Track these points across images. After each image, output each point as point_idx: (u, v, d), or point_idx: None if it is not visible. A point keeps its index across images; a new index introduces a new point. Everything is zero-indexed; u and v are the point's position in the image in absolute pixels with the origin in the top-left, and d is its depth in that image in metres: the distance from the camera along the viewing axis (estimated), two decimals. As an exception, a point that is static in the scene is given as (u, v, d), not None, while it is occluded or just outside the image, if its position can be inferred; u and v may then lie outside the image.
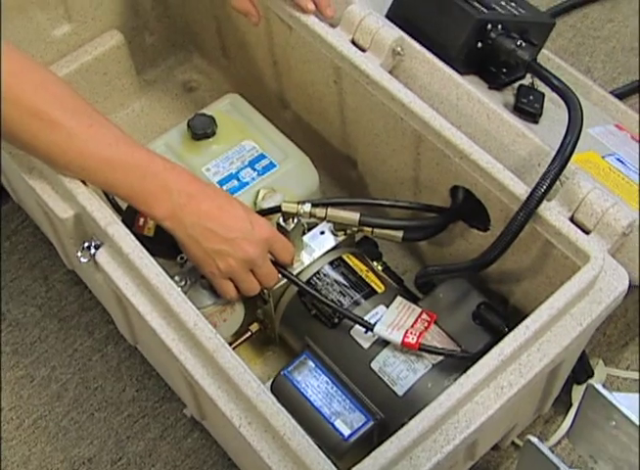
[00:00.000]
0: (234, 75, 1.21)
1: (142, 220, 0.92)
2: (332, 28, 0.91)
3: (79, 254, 0.82)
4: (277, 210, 0.88)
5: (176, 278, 0.87)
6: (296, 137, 1.08)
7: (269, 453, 0.69)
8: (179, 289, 0.76)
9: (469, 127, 0.87)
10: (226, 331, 0.94)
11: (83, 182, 0.81)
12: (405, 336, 0.84)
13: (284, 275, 0.88)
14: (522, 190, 0.79)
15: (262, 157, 0.99)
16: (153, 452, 0.99)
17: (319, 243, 0.94)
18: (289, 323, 0.95)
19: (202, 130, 0.99)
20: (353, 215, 0.88)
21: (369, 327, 0.85)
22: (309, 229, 0.97)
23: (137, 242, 0.78)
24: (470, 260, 0.84)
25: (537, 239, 0.82)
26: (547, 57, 1.16)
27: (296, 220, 0.88)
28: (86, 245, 0.82)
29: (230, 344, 0.98)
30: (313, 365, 0.90)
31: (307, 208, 0.87)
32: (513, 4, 1.03)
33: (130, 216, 0.92)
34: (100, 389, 1.03)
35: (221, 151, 1.00)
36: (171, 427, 1.00)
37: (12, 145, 0.81)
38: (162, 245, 0.89)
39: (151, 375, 1.03)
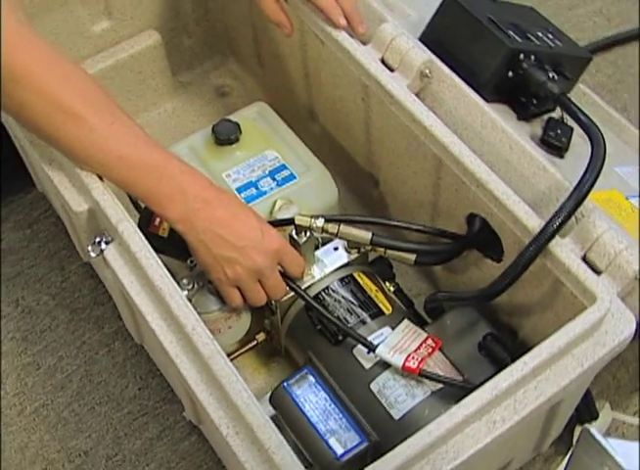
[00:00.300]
0: (267, 84, 1.22)
1: (158, 220, 0.93)
2: (362, 46, 0.91)
3: (90, 247, 0.82)
4: (290, 222, 0.88)
5: (184, 281, 0.88)
6: (322, 151, 1.08)
7: (253, 465, 0.69)
8: (182, 292, 0.76)
9: (490, 156, 0.86)
10: (230, 338, 0.94)
11: (100, 178, 0.82)
12: (407, 360, 0.83)
13: (291, 288, 0.88)
14: (535, 224, 0.78)
15: (283, 167, 1.00)
16: (149, 452, 0.99)
17: (331, 259, 0.94)
18: (294, 336, 0.95)
19: (225, 136, 1.00)
20: (365, 234, 0.88)
21: (371, 348, 0.85)
22: (323, 244, 0.97)
23: (145, 242, 0.79)
24: (478, 290, 0.84)
25: (548, 275, 0.81)
26: (583, 92, 1.14)
27: (308, 234, 0.88)
28: (97, 240, 0.83)
29: (235, 351, 0.99)
30: (313, 381, 0.89)
31: (320, 222, 0.87)
32: (550, 36, 1.02)
33: (147, 216, 0.93)
34: (103, 383, 1.03)
35: (243, 158, 1.00)
36: (170, 428, 1.00)
37: (35, 135, 0.82)
38: (175, 246, 0.89)
39: (155, 374, 1.04)
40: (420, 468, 0.69)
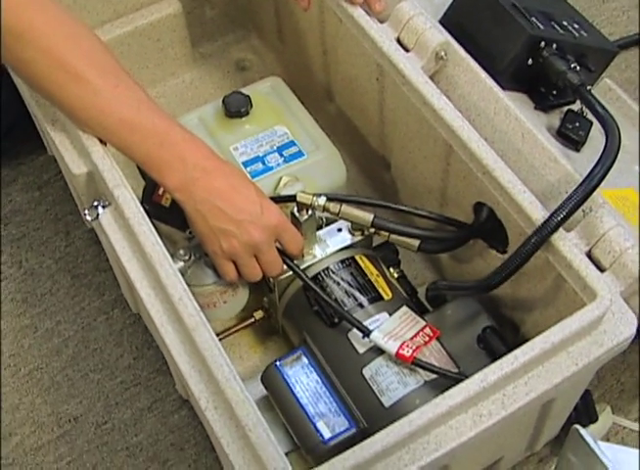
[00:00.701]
0: (287, 61, 1.20)
1: (162, 190, 0.92)
2: (378, 24, 0.89)
3: (87, 211, 0.81)
4: (292, 199, 0.87)
5: (181, 251, 0.86)
6: (336, 132, 1.07)
7: (229, 442, 0.67)
8: (178, 263, 0.75)
9: (501, 144, 0.84)
10: (225, 313, 0.93)
11: (101, 141, 0.81)
12: (401, 347, 0.81)
13: (288, 266, 0.86)
14: (539, 215, 0.75)
15: (292, 144, 0.98)
16: (138, 422, 0.98)
17: (334, 240, 0.92)
18: (291, 315, 0.93)
19: (236, 108, 0.98)
20: (367, 216, 0.86)
21: (366, 332, 0.83)
22: (327, 224, 0.95)
23: (141, 208, 0.78)
24: (477, 280, 0.81)
25: (551, 269, 0.78)
26: (609, 87, 1.11)
27: (309, 212, 0.87)
28: (94, 204, 0.82)
29: (231, 327, 0.97)
30: (306, 362, 0.88)
31: (322, 200, 0.85)
32: (576, 25, 0.99)
33: (151, 185, 0.92)
34: (99, 351, 1.03)
35: (252, 132, 0.98)
36: (161, 400, 0.99)
37: (38, 94, 0.81)
38: (176, 216, 0.88)
39: (150, 345, 1.03)
40: (399, 457, 0.67)
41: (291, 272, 0.89)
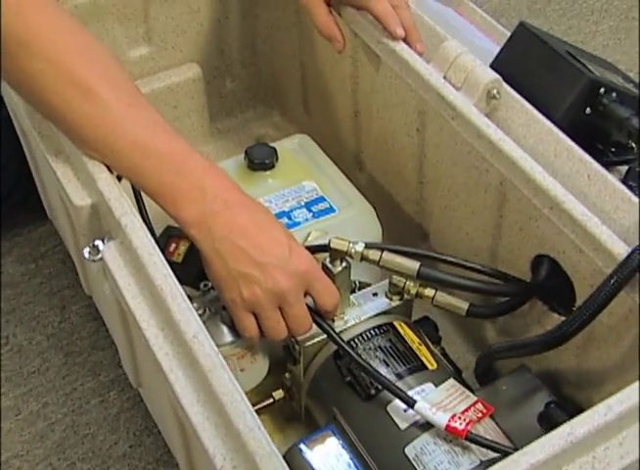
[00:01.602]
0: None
1: (173, 246, 0.83)
2: (422, 59, 0.81)
3: (87, 249, 0.70)
4: (324, 248, 0.76)
5: (194, 305, 0.73)
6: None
7: (251, 509, 0.53)
8: (186, 296, 0.63)
9: (565, 189, 0.74)
10: (241, 384, 0.79)
11: (109, 169, 0.70)
12: (452, 419, 0.68)
13: (318, 325, 0.74)
14: (622, 249, 0.64)
15: (322, 200, 0.88)
16: (132, 523, 0.83)
17: (369, 305, 0.81)
18: (317, 390, 0.80)
19: (260, 160, 0.88)
20: (412, 264, 0.74)
21: (409, 402, 0.69)
22: (360, 288, 0.84)
23: (151, 238, 0.66)
24: (544, 333, 0.69)
25: (632, 325, 0.66)
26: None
27: (344, 264, 0.75)
28: (96, 242, 0.70)
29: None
30: (336, 442, 0.74)
31: (360, 247, 0.74)
32: (631, 84, 0.92)
33: (162, 241, 0.82)
34: (90, 437, 0.88)
35: (278, 187, 0.88)
36: (160, 496, 0.84)
37: (41, 113, 0.72)
38: (189, 272, 0.78)
39: (151, 432, 0.88)
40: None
41: (319, 338, 0.77)
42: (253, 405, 0.83)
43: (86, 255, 0.70)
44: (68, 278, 1.02)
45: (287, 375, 0.83)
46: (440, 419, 0.68)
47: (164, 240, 0.85)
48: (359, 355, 0.74)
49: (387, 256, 0.74)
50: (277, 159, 0.89)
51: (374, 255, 0.74)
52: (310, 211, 0.86)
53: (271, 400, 0.84)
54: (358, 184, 1.01)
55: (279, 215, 0.86)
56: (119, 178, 0.72)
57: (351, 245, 0.74)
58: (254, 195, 0.87)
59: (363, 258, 0.75)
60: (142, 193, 0.74)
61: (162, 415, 0.77)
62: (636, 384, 0.56)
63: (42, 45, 0.68)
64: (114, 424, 0.89)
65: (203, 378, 0.58)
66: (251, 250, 0.68)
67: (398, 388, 0.71)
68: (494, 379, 0.80)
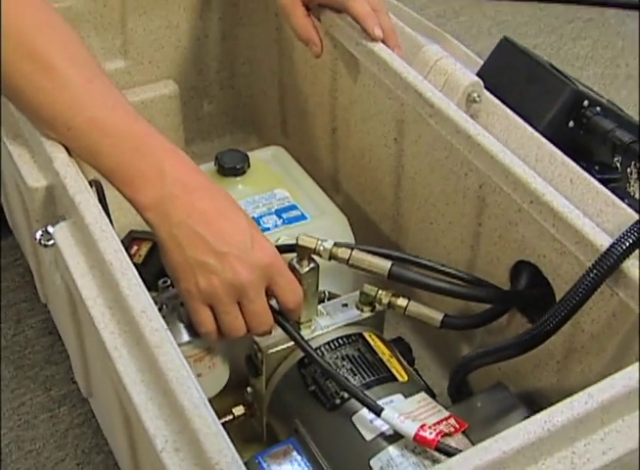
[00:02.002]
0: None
1: (135, 248, 0.80)
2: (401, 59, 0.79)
3: (39, 233, 0.66)
4: (292, 248, 0.71)
5: (151, 301, 0.69)
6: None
7: (192, 494, 0.48)
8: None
9: (546, 190, 0.71)
10: (198, 391, 0.74)
11: (68, 152, 0.67)
12: (421, 429, 0.63)
13: (279, 324, 0.69)
14: (605, 242, 0.60)
15: (293, 207, 0.84)
16: None
17: (339, 314, 0.76)
18: (279, 402, 0.75)
19: (230, 164, 0.85)
20: (384, 263, 0.70)
21: (376, 410, 0.64)
22: (329, 299, 0.79)
23: (105, 217, 0.62)
24: (518, 335, 0.64)
25: (616, 330, 0.62)
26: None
27: (312, 265, 0.71)
28: (49, 228, 0.66)
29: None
30: (297, 457, 0.69)
31: (329, 245, 0.70)
32: (617, 108, 0.89)
33: (125, 245, 0.78)
34: (35, 453, 0.82)
35: (248, 193, 0.84)
36: (104, 518, 0.78)
37: (1, 91, 0.69)
38: (149, 273, 0.74)
39: (101, 450, 0.82)
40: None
41: (283, 345, 0.72)
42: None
43: (38, 237, 0.66)
44: (25, 292, 0.97)
45: (248, 389, 0.78)
46: (409, 428, 0.63)
47: (127, 242, 0.82)
48: (323, 359, 0.70)
49: (357, 254, 0.70)
50: (249, 165, 0.86)
51: (343, 253, 0.70)
52: (280, 217, 0.82)
53: (231, 417, 0.79)
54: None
55: (248, 221, 0.82)
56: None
57: (320, 242, 0.70)
58: (224, 200, 0.84)
59: (332, 256, 0.70)
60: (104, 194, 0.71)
61: (110, 416, 0.71)
62: (619, 373, 0.52)
63: (2, 20, 0.65)
64: (62, 441, 0.83)
65: (149, 355, 0.53)
66: (211, 237, 0.64)
67: (365, 395, 0.66)
68: (469, 395, 0.75)
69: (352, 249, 0.71)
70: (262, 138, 1.15)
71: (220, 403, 0.79)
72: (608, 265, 0.58)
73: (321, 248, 0.70)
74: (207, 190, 0.66)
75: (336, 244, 0.71)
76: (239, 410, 0.79)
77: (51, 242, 0.66)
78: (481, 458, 0.48)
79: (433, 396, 0.80)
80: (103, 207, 0.77)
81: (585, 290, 0.58)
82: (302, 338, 0.69)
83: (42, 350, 0.92)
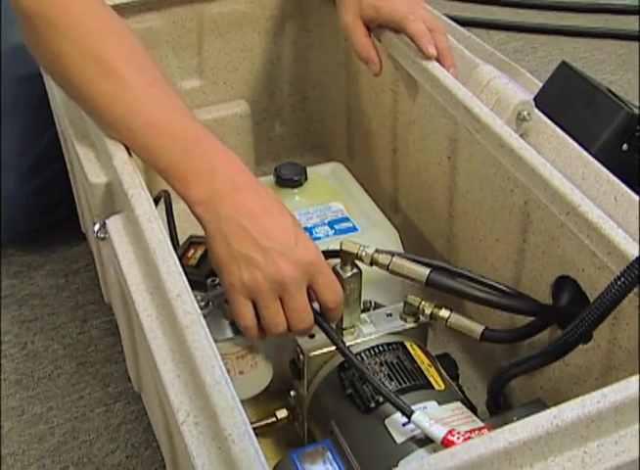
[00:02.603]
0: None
1: (191, 252, 0.83)
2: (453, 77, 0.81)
3: (97, 226, 0.70)
4: (336, 254, 0.74)
5: (197, 298, 0.72)
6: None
7: (205, 463, 0.50)
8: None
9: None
10: (239, 389, 0.75)
11: (128, 150, 0.71)
12: (450, 433, 0.64)
13: (318, 324, 0.71)
14: (636, 251, 0.60)
15: (346, 220, 0.86)
16: (114, 533, 0.79)
17: (382, 324, 0.78)
18: (318, 405, 0.76)
19: (288, 176, 0.88)
20: (423, 270, 0.72)
21: (407, 412, 0.65)
22: (375, 309, 0.81)
23: (155, 210, 0.66)
24: (550, 342, 0.65)
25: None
26: None
27: (355, 270, 0.73)
28: (107, 221, 0.70)
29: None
30: (330, 457, 0.70)
31: (371, 250, 0.72)
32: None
33: (183, 248, 0.83)
34: (88, 444, 0.86)
35: (304, 205, 0.87)
36: (147, 508, 0.80)
37: (67, 93, 0.74)
38: (202, 274, 0.77)
39: (149, 445, 0.85)
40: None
41: (324, 349, 0.74)
42: (255, 421, 0.81)
43: (95, 230, 0.70)
44: (94, 295, 1.02)
45: (292, 393, 0.80)
46: (437, 432, 0.64)
47: (186, 246, 0.85)
48: (358, 359, 0.71)
49: (397, 260, 0.72)
50: (306, 178, 0.89)
51: (384, 259, 0.72)
52: (332, 228, 0.85)
53: (273, 419, 0.81)
54: (394, 227, 1.00)
55: (301, 230, 0.85)
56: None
57: (362, 248, 0.72)
58: (279, 210, 0.87)
59: (373, 261, 0.72)
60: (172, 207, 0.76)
61: (151, 403, 0.75)
62: (636, 376, 0.52)
63: (70, 25, 0.70)
64: (115, 434, 0.87)
65: (179, 336, 0.56)
66: (257, 233, 0.67)
67: (398, 397, 0.67)
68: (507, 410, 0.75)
69: (393, 255, 0.73)
70: (330, 160, 1.18)
71: (266, 407, 0.82)
72: (636, 273, 0.58)
73: (363, 253, 0.72)
74: (255, 189, 0.70)
75: (377, 250, 0.73)
76: (282, 413, 0.81)
77: (107, 235, 0.70)
78: (486, 447, 0.48)
79: (474, 410, 0.81)
80: (169, 215, 0.82)
81: (613, 297, 0.59)
82: (340, 337, 0.71)
83: (104, 349, 0.96)
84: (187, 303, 0.58)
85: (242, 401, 0.78)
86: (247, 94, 1.11)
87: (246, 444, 0.49)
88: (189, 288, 0.59)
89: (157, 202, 0.84)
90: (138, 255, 0.65)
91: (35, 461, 0.84)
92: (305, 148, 1.20)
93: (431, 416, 0.66)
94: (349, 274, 0.73)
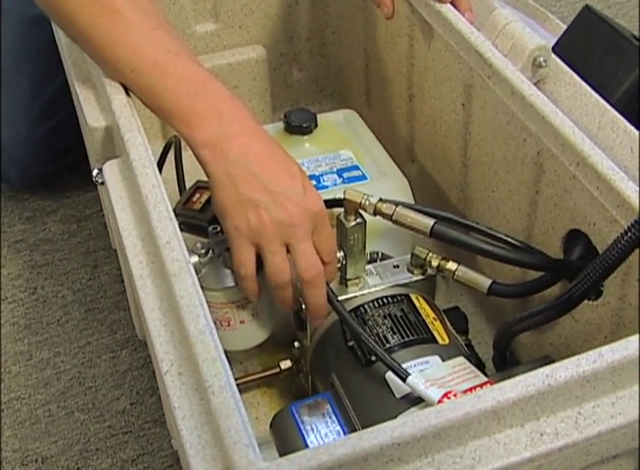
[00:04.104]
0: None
1: (197, 196, 0.82)
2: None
3: (95, 171, 0.69)
4: (339, 203, 0.72)
5: (197, 245, 0.71)
6: (416, 194, 0.93)
7: (185, 415, 0.49)
8: (192, 257, 0.61)
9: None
10: (241, 339, 0.75)
11: (127, 92, 0.69)
12: (445, 396, 0.62)
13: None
14: (647, 205, 0.58)
15: (355, 168, 0.84)
16: (117, 476, 0.79)
17: (388, 275, 0.76)
18: (320, 356, 0.75)
19: (297, 123, 0.86)
20: (427, 220, 0.69)
21: (401, 375, 0.64)
22: (381, 259, 0.79)
23: (151, 156, 0.64)
24: (556, 297, 0.63)
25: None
26: None
27: (359, 220, 0.71)
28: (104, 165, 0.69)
29: (249, 374, 0.80)
30: (330, 409, 0.69)
31: (374, 199, 0.70)
32: None
33: (187, 194, 0.82)
34: (94, 389, 0.86)
35: (313, 152, 0.85)
36: (150, 454, 0.80)
37: (70, 35, 0.72)
38: (205, 220, 0.76)
39: (154, 392, 0.85)
40: (417, 467, 0.47)
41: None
42: (258, 372, 0.80)
43: (94, 174, 0.69)
44: (105, 241, 1.02)
45: (296, 344, 0.79)
46: (432, 395, 0.62)
47: (192, 191, 0.84)
48: (365, 323, 0.70)
49: (401, 210, 0.70)
50: (316, 125, 0.86)
51: (388, 208, 0.70)
52: (341, 176, 0.83)
53: (277, 370, 0.80)
54: (409, 177, 0.97)
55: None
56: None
57: (366, 197, 0.70)
58: (288, 158, 0.85)
59: (377, 211, 0.70)
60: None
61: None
62: (635, 335, 0.50)
63: None
64: (120, 380, 0.87)
65: (167, 283, 0.55)
66: (265, 177, 0.65)
67: (392, 357, 0.65)
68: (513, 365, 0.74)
69: (397, 205, 0.70)
70: (349, 107, 1.15)
71: (272, 358, 0.82)
72: (644, 229, 0.56)
73: (367, 202, 0.70)
74: (262, 134, 0.68)
75: (381, 199, 0.71)
76: (285, 364, 0.80)
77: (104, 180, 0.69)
78: (473, 406, 0.47)
79: (482, 366, 0.79)
80: (178, 162, 0.81)
81: (620, 252, 0.56)
82: (335, 296, 0.69)
83: (113, 295, 0.96)
84: (176, 249, 0.56)
85: (245, 351, 0.79)
86: (263, 39, 1.08)
87: (226, 396, 0.47)
88: (180, 235, 0.58)
89: (168, 148, 0.83)
90: (132, 200, 0.63)
91: (41, 406, 0.85)
92: (324, 94, 1.17)
93: (430, 376, 0.65)
94: (353, 224, 0.71)
